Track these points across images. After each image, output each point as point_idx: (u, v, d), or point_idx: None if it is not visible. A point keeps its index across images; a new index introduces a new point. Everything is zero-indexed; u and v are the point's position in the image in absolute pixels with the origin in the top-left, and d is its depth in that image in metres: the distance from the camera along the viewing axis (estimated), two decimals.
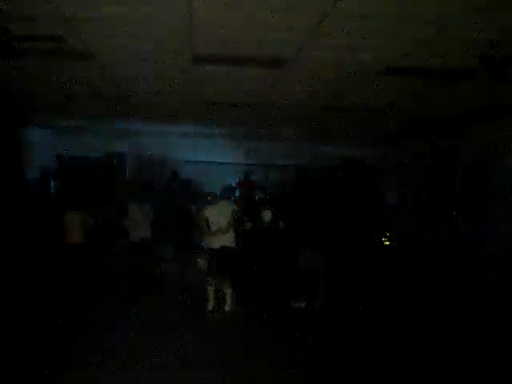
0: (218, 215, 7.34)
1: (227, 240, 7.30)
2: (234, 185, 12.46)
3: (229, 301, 7.31)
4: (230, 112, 10.49)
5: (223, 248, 7.25)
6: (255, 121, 11.43)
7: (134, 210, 8.47)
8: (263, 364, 5.43)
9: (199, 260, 9.18)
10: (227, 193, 7.86)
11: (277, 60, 6.13)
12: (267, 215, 8.08)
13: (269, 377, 5.11)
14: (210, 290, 7.34)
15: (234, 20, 4.76)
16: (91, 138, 14.25)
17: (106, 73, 7.15)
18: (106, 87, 8.21)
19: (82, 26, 5.08)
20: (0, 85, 8.42)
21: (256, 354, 5.72)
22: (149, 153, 14.34)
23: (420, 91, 7.62)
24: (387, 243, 12.88)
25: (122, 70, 6.99)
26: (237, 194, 11.08)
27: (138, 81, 7.71)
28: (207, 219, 7.40)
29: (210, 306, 7.29)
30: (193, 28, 5.02)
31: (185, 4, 4.37)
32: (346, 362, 5.64)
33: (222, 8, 4.48)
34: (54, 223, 9.42)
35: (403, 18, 4.56)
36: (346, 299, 8.27)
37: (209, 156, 14.75)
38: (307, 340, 6.34)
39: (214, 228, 7.29)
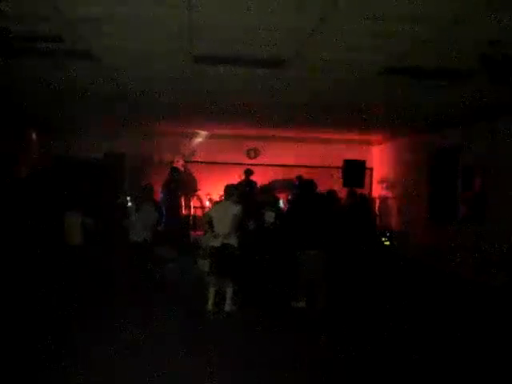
0: (222, 215, 7.33)
1: (229, 240, 7.29)
2: (236, 185, 12.41)
3: (229, 301, 7.31)
4: (230, 112, 10.50)
5: (225, 248, 7.24)
6: (255, 119, 11.43)
7: (133, 211, 8.46)
8: (263, 364, 5.42)
9: (200, 260, 9.19)
10: (230, 193, 7.80)
11: (277, 60, 6.13)
12: (269, 216, 8.06)
13: (269, 377, 5.11)
14: (210, 289, 7.34)
15: (233, 20, 4.77)
16: (91, 138, 14.24)
17: (106, 73, 7.15)
18: (106, 87, 8.21)
19: (82, 26, 5.09)
20: (0, 85, 8.42)
21: (256, 354, 5.72)
22: (148, 153, 14.33)
23: (420, 91, 7.62)
24: (387, 243, 12.87)
25: (121, 70, 7.00)
26: (239, 194, 11.05)
27: (138, 81, 7.71)
28: (211, 219, 7.38)
29: (210, 307, 7.29)
30: (193, 28, 5.02)
31: (185, 4, 4.37)
32: (346, 362, 5.64)
33: (222, 8, 4.48)
34: (53, 224, 9.40)
35: (403, 18, 4.56)
36: (347, 299, 8.27)
37: (209, 156, 14.74)
38: (307, 340, 6.33)
39: (217, 228, 7.28)
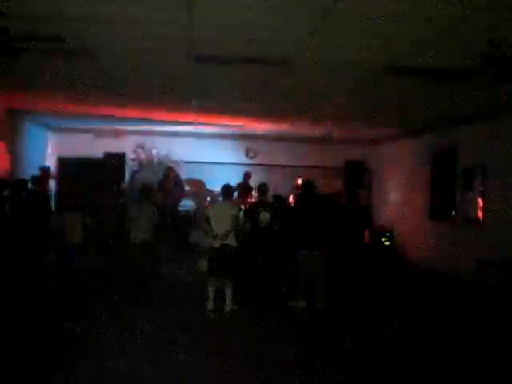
0: (220, 216, 7.32)
1: (228, 240, 7.29)
2: (234, 185, 12.38)
3: (229, 301, 7.31)
4: (230, 112, 10.52)
5: (223, 248, 7.24)
6: (255, 119, 11.45)
7: (133, 211, 8.45)
8: (263, 364, 5.42)
9: (199, 260, 9.19)
10: (227, 193, 7.79)
11: (277, 60, 6.13)
12: (265, 216, 8.04)
13: (269, 377, 5.11)
14: (210, 290, 7.33)
15: (233, 20, 4.77)
16: (91, 137, 14.22)
17: (106, 73, 7.16)
18: (106, 87, 8.22)
19: (82, 26, 5.09)
20: (0, 84, 8.43)
21: (256, 354, 5.72)
22: (148, 153, 14.30)
23: (420, 91, 7.62)
24: (387, 243, 12.86)
25: (121, 69, 7.00)
26: (236, 194, 11.06)
27: (138, 80, 7.72)
28: (209, 219, 7.38)
29: (210, 306, 7.29)
30: (193, 28, 5.02)
31: (185, 4, 4.38)
32: (346, 361, 5.64)
33: (222, 8, 4.48)
34: (53, 224, 9.38)
35: (403, 18, 4.57)
36: (346, 299, 8.27)
37: (209, 156, 14.71)
38: (307, 340, 6.33)
39: (215, 229, 7.26)
